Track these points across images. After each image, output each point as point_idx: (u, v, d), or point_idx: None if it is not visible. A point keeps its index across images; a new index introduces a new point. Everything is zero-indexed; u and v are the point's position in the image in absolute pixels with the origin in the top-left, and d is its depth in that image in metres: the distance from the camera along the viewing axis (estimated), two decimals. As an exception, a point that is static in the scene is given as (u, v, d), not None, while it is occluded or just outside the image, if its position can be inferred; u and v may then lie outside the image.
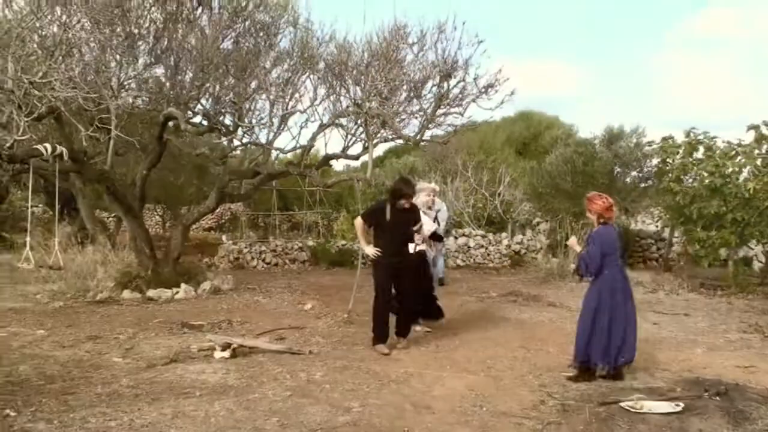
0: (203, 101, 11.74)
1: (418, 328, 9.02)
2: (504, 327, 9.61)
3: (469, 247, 19.37)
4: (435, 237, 9.11)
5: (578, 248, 7.13)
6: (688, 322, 10.46)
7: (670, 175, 14.72)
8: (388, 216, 7.79)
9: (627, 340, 6.72)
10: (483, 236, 19.65)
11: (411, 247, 7.97)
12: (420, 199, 8.90)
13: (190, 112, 11.80)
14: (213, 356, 7.40)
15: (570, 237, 7.27)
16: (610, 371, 6.74)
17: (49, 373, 6.65)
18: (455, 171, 22.61)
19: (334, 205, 23.37)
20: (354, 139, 12.04)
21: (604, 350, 6.67)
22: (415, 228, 8.21)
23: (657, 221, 17.37)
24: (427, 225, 8.63)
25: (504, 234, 20.04)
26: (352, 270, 14.64)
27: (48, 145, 9.80)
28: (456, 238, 19.51)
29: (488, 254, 19.27)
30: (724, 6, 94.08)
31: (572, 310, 11.21)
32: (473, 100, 11.23)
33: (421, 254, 8.32)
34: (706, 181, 13.91)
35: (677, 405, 5.75)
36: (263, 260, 17.42)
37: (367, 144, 11.61)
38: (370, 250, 7.85)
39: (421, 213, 8.37)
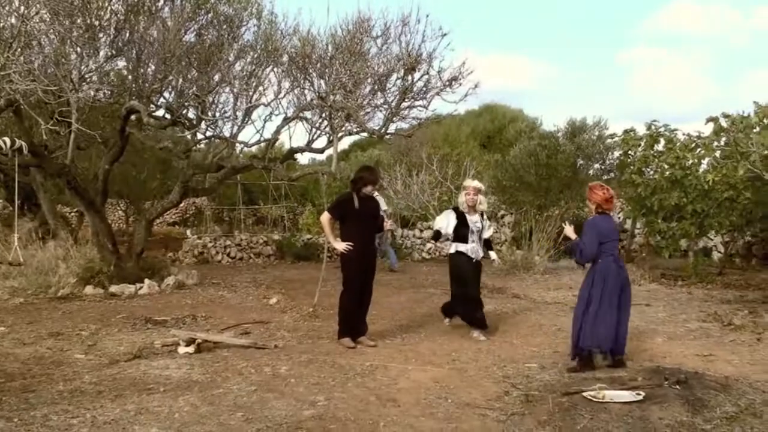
0: (166, 94, 11.63)
1: (446, 321, 9.23)
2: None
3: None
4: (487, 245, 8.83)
5: (573, 236, 7.23)
6: (649, 312, 10.63)
7: (631, 167, 14.92)
8: (356, 205, 7.77)
9: (620, 330, 6.87)
10: (449, 228, 19.76)
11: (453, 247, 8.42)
12: (460, 199, 8.67)
13: (152, 106, 11.67)
14: (177, 352, 7.34)
15: (566, 226, 7.38)
16: (609, 359, 6.89)
17: (9, 370, 6.53)
18: (420, 164, 22.64)
19: (300, 199, 23.27)
20: (319, 132, 12.02)
21: (597, 337, 6.79)
22: (388, 224, 8.25)
23: (619, 213, 17.61)
24: (486, 232, 8.66)
25: (469, 227, 20.15)
26: (318, 264, 14.63)
27: (7, 139, 9.61)
28: (422, 231, 19.57)
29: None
30: (688, 2, 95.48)
31: (536, 302, 11.33)
32: (437, 93, 11.27)
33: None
34: (667, 173, 14.12)
35: (638, 394, 5.84)
36: (228, 255, 17.31)
37: (331, 137, 11.58)
38: (341, 246, 7.80)
39: (449, 216, 8.49)
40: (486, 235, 8.65)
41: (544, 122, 35.11)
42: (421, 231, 19.41)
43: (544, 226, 16.34)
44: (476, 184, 8.60)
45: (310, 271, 15.04)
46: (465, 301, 8.49)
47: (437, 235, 8.88)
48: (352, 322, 7.94)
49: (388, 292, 12.30)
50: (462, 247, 8.49)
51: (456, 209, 8.62)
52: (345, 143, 33.37)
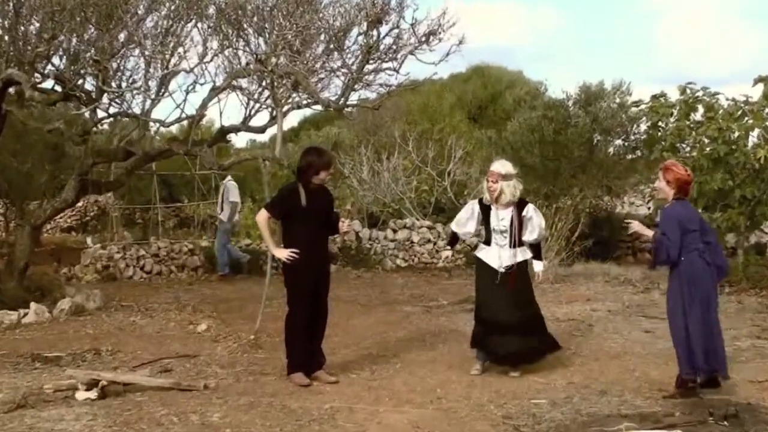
0: (55, 60, 11.47)
1: (476, 369, 8.35)
2: (457, 345, 9.67)
3: (412, 242, 19.48)
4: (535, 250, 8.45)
5: (648, 232, 7.42)
6: (688, 328, 10.73)
7: (662, 143, 15.06)
8: (303, 200, 7.73)
9: (716, 342, 7.12)
10: (430, 228, 19.79)
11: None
12: (484, 186, 8.38)
13: (37, 75, 11.52)
14: (75, 398, 7.25)
15: (633, 223, 7.51)
16: (702, 380, 7.11)
17: None
18: (392, 145, 22.68)
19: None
20: (258, 106, 11.96)
21: (695, 357, 7.06)
22: (345, 225, 8.21)
23: (648, 202, 17.77)
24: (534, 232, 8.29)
25: (456, 225, 20.23)
26: (261, 278, 14.55)
27: None
28: (395, 231, 19.61)
29: (437, 251, 19.41)
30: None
31: (546, 319, 11.38)
32: (411, 52, 11.27)
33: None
34: (707, 149, 14.25)
35: (676, 434, 5.88)
36: (142, 268, 17.17)
37: (275, 112, 11.53)
38: (282, 253, 7.76)
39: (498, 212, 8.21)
40: (528, 236, 8.24)
41: (551, 88, 35.35)
42: (395, 232, 19.45)
43: (552, 222, 16.44)
44: (499, 167, 8.23)
45: (250, 287, 14.98)
46: (484, 328, 8.26)
47: (453, 240, 8.82)
48: (305, 353, 7.91)
49: (351, 311, 12.28)
50: (482, 252, 8.37)
51: (481, 201, 8.41)
52: (293, 119, 33.15)
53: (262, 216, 7.88)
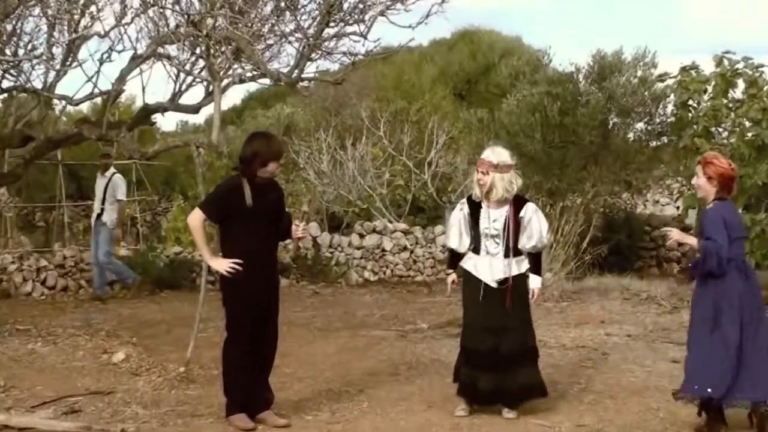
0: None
1: (462, 410, 8.32)
2: (439, 378, 9.70)
3: (383, 250, 19.49)
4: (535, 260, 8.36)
5: (691, 240, 7.55)
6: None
7: (694, 126, 15.15)
8: (248, 199, 7.69)
9: (761, 369, 7.24)
10: (406, 233, 19.81)
11: None
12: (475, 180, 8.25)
13: None
14: (-42, 446, 7.20)
15: (672, 230, 7.64)
16: (750, 412, 7.27)
17: None
18: (358, 128, 22.69)
19: (163, 189, 23.10)
20: (190, 80, 11.95)
21: (732, 381, 7.16)
22: (300, 230, 8.15)
23: (676, 200, 17.89)
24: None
25: (439, 228, 20.25)
26: (193, 294, 14.51)
27: None
28: (362, 236, 19.61)
29: (414, 261, 19.43)
30: None
31: (548, 346, 11.43)
32: (382, 13, 11.24)
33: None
34: (749, 134, 14.34)
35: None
36: (43, 283, 17.03)
37: (211, 87, 11.48)
38: (220, 264, 7.72)
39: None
40: (526, 243, 8.18)
41: (556, 58, 35.34)
42: (362, 237, 19.46)
43: (558, 225, 16.51)
44: (491, 155, 8.16)
45: (179, 305, 14.93)
46: (466, 355, 8.26)
47: (454, 259, 8.49)
48: (249, 389, 7.88)
49: (307, 336, 12.30)
50: (469, 263, 8.28)
51: (470, 199, 8.35)
52: (235, 97, 33.07)
53: (196, 218, 7.79)
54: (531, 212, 8.19)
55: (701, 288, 7.38)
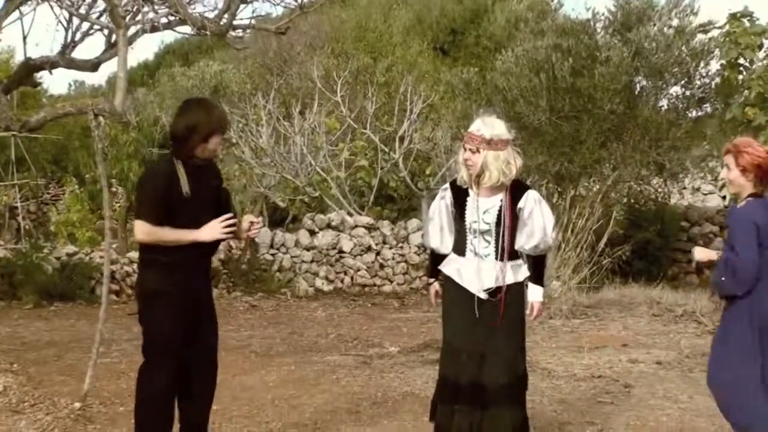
0: None
1: None
2: (412, 416, 9.79)
3: (341, 252, 19.54)
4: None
5: (714, 255, 7.56)
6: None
7: (746, 92, 15.27)
8: (185, 187, 7.65)
9: None
10: (370, 228, 19.88)
11: None
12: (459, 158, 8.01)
13: None
14: None
15: (694, 250, 7.70)
16: None
17: None
18: (309, 92, 22.75)
19: (52, 170, 23.04)
20: (87, 27, 11.95)
21: None
22: (254, 226, 8.11)
23: (722, 188, 18.03)
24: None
25: (414, 222, 20.34)
26: (92, 308, 14.54)
27: None
28: (313, 233, 19.68)
29: (382, 265, 19.50)
30: None
31: (554, 376, 11.55)
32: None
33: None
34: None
35: None
36: None
37: (114, 37, 11.49)
38: (212, 232, 7.63)
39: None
40: (525, 243, 8.00)
41: (567, 3, 35.50)
42: (313, 234, 19.51)
43: (568, 219, 16.63)
44: (482, 126, 7.95)
45: (74, 322, 14.94)
46: (444, 387, 8.16)
47: (435, 263, 8.29)
48: (168, 429, 7.94)
49: (240, 363, 12.35)
50: (451, 267, 8.09)
51: (454, 184, 8.14)
52: (145, 50, 32.97)
53: (145, 231, 7.64)
54: (532, 203, 7.92)
55: (733, 306, 7.42)
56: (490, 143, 7.79)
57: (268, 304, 17.51)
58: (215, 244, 7.91)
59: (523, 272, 8.01)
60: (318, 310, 17.03)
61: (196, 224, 7.64)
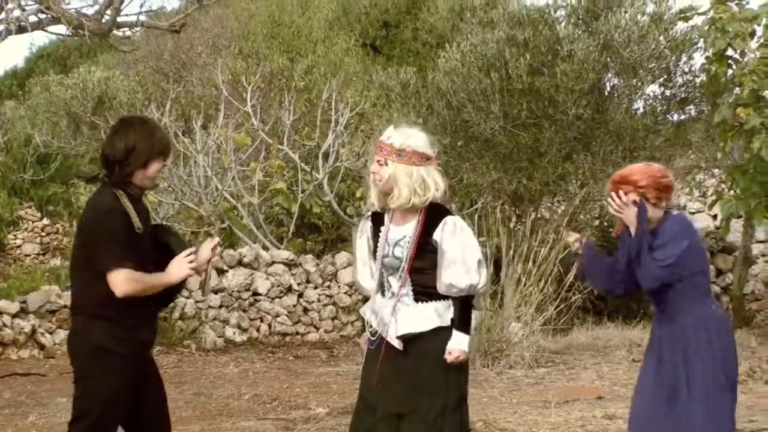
0: None
1: None
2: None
3: (256, 294, 19.48)
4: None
5: (573, 241, 8.02)
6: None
7: (737, 89, 15.33)
8: (136, 222, 7.67)
9: None
10: (290, 265, 19.84)
11: None
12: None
13: None
14: None
15: (566, 232, 7.67)
16: None
17: None
18: (213, 101, 22.72)
19: None
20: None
21: None
22: (213, 243, 7.99)
23: (711, 205, 18.08)
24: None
25: (343, 256, 20.35)
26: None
27: None
28: (222, 272, 19.61)
29: (306, 309, 19.49)
30: None
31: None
32: None
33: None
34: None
35: None
36: None
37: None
38: (183, 268, 7.55)
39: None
40: (441, 282, 7.66)
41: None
42: (220, 274, 19.41)
43: (529, 246, 16.63)
44: (392, 135, 7.76)
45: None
46: None
47: (366, 302, 8.13)
48: None
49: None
50: (368, 309, 7.95)
51: (375, 216, 7.98)
52: (13, 55, 33.04)
53: (127, 279, 7.59)
54: (449, 232, 7.66)
55: (664, 344, 7.64)
56: (400, 154, 7.63)
57: (169, 359, 17.42)
58: (178, 286, 7.98)
59: (449, 316, 7.71)
60: (229, 366, 16.96)
61: (146, 267, 7.69)
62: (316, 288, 19.70)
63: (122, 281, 7.51)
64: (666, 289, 7.41)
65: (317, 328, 19.51)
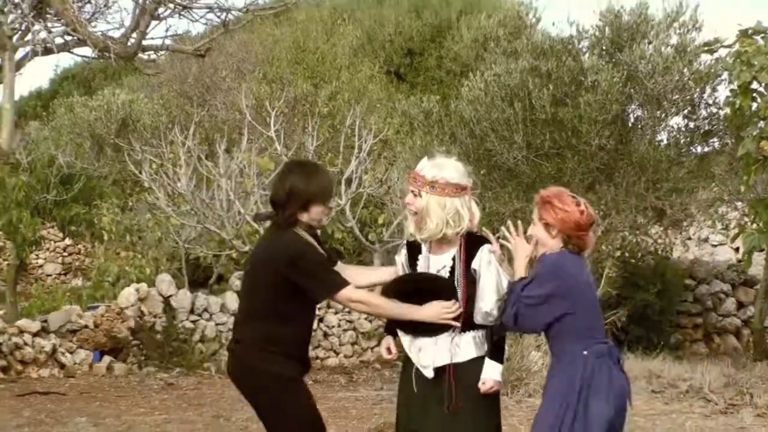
0: None
1: None
2: None
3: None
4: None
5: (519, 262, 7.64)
6: None
7: (761, 122, 15.31)
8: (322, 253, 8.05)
9: None
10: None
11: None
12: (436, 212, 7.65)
13: None
14: None
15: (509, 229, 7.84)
16: None
17: None
18: (236, 125, 22.74)
19: None
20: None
21: None
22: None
23: (734, 239, 18.04)
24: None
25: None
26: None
27: None
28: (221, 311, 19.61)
29: (326, 334, 19.66)
30: None
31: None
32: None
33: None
34: None
35: None
36: None
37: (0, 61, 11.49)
38: (439, 310, 7.50)
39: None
40: (478, 311, 7.66)
41: (548, 15, 35.65)
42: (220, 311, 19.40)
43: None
44: (425, 166, 7.78)
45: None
46: None
47: (392, 322, 8.03)
48: None
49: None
50: (405, 337, 7.80)
51: (410, 244, 8.01)
52: (39, 76, 33.06)
53: (356, 293, 7.73)
54: (484, 261, 7.71)
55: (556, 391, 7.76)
56: (433, 186, 7.61)
57: (188, 381, 17.42)
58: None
59: (485, 347, 7.71)
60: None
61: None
62: (336, 313, 19.69)
63: (352, 297, 7.75)
64: (548, 330, 7.46)
65: (337, 353, 19.49)
